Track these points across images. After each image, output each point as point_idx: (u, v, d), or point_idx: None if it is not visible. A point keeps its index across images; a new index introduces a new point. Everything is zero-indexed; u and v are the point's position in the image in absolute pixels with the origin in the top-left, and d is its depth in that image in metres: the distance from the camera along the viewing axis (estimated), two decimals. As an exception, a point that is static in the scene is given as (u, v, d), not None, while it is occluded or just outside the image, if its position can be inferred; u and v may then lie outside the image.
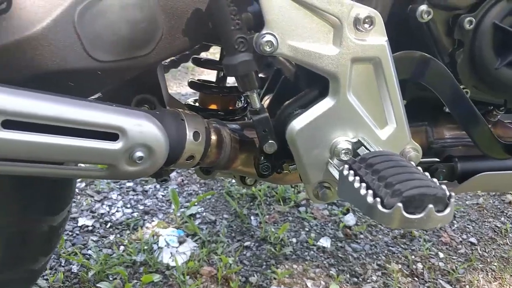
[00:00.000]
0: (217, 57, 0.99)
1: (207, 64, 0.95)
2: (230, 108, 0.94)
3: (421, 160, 0.78)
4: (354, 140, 0.67)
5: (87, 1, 0.61)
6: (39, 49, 0.60)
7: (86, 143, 0.57)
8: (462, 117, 0.74)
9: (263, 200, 1.70)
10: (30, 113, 0.53)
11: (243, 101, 0.96)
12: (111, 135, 0.59)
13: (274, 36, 0.60)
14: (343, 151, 0.66)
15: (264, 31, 0.60)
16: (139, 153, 0.61)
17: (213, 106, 0.93)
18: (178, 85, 2.83)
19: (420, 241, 1.56)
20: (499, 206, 1.81)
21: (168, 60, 0.97)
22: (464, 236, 1.62)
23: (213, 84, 0.95)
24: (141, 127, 0.60)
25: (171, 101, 0.90)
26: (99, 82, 0.67)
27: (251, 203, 1.69)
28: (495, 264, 1.49)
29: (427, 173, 0.54)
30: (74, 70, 0.62)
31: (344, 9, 0.61)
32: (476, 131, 0.76)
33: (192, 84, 0.94)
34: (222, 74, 0.96)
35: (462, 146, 0.87)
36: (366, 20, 0.62)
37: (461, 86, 0.76)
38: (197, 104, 0.94)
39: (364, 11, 0.62)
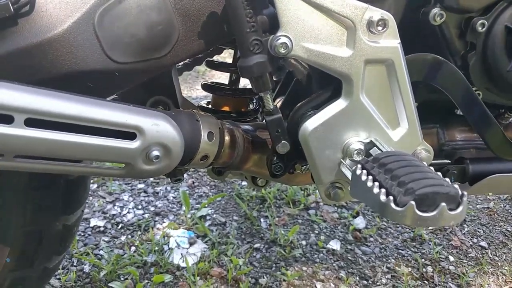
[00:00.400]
0: (229, 61, 1.01)
1: (221, 66, 0.96)
2: (243, 110, 0.95)
3: (433, 161, 0.79)
4: (367, 140, 0.68)
5: (106, 4, 0.63)
6: (60, 50, 0.61)
7: (105, 141, 0.59)
8: (475, 118, 0.75)
9: (272, 202, 1.70)
10: (52, 112, 0.55)
11: (255, 103, 0.98)
12: (129, 134, 0.60)
13: (289, 38, 0.61)
14: (356, 152, 0.67)
15: (279, 33, 0.61)
16: (155, 152, 0.62)
17: (226, 108, 0.94)
18: (189, 89, 2.85)
19: (430, 244, 1.55)
20: (510, 210, 1.80)
21: (182, 63, 0.99)
22: (475, 240, 1.61)
23: (226, 86, 0.97)
24: (158, 126, 0.62)
25: (185, 103, 0.91)
26: (117, 83, 0.69)
27: (261, 206, 1.69)
28: (506, 268, 1.48)
29: (439, 173, 0.55)
30: (93, 71, 0.64)
31: (358, 12, 0.62)
32: (489, 132, 0.76)
33: (205, 87, 0.95)
34: (234, 77, 0.98)
35: (473, 149, 0.88)
36: (380, 23, 0.63)
37: (474, 88, 0.76)
38: (210, 106, 0.96)
39: (377, 14, 0.63)
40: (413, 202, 0.48)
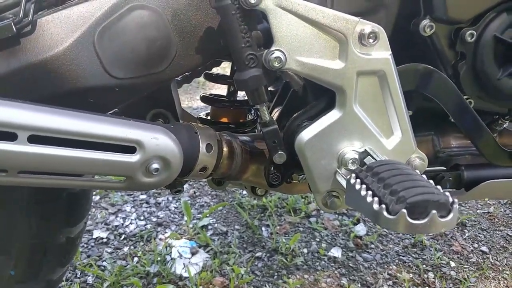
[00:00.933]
0: (227, 71, 1.03)
1: (219, 79, 0.98)
2: (241, 120, 0.97)
3: (428, 168, 0.80)
4: (361, 150, 0.69)
5: (106, 22, 0.65)
6: (62, 68, 0.63)
7: (106, 156, 0.60)
8: (466, 126, 0.76)
9: (274, 211, 1.71)
10: (54, 129, 0.57)
11: (253, 114, 1.00)
12: (129, 148, 0.62)
13: (283, 52, 0.63)
14: (350, 161, 0.68)
15: (273, 48, 0.63)
16: (155, 165, 0.64)
17: (225, 119, 0.96)
18: (190, 99, 2.88)
19: (431, 250, 1.56)
20: (510, 215, 1.81)
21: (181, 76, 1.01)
22: (476, 245, 1.62)
23: (224, 98, 0.99)
24: (158, 140, 0.63)
25: (184, 115, 0.93)
26: (117, 98, 0.71)
27: (262, 214, 1.71)
28: (507, 272, 1.49)
29: (431, 181, 0.56)
30: (94, 87, 0.66)
31: (349, 25, 0.64)
32: (481, 140, 0.77)
33: (204, 99, 0.97)
34: (233, 88, 1.00)
35: (469, 155, 0.89)
36: (371, 35, 0.65)
37: (465, 97, 0.78)
38: (209, 117, 0.97)
39: (368, 26, 0.64)
40: (404, 210, 0.49)
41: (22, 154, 0.55)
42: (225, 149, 0.77)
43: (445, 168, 0.87)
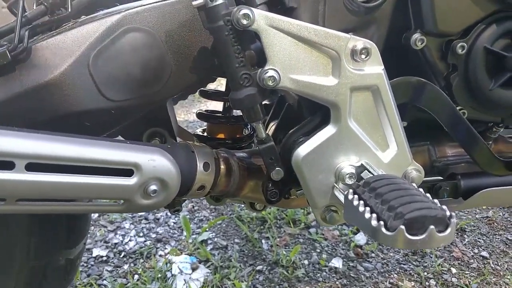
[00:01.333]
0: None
1: (214, 95, 0.99)
2: (238, 136, 0.97)
3: (425, 179, 0.80)
4: (358, 164, 0.69)
5: (100, 46, 0.66)
6: (58, 93, 0.64)
7: (104, 180, 0.60)
8: (460, 137, 0.77)
9: (273, 223, 1.71)
10: (51, 156, 0.57)
11: (249, 128, 1.00)
12: (126, 171, 0.62)
13: (276, 71, 0.64)
14: (348, 175, 0.69)
15: (266, 67, 0.64)
16: (153, 187, 0.64)
17: (221, 135, 0.96)
18: (186, 113, 2.88)
19: (431, 257, 1.56)
20: (509, 219, 1.81)
21: (176, 93, 1.01)
22: (476, 250, 1.62)
23: (220, 114, 0.99)
24: (155, 162, 0.63)
25: (181, 132, 0.94)
26: (113, 120, 0.71)
27: (262, 227, 1.70)
28: (509, 277, 1.49)
29: (428, 194, 0.57)
30: (90, 111, 0.66)
31: (341, 42, 0.64)
32: (475, 150, 0.78)
33: (200, 115, 0.97)
34: (228, 104, 1.00)
35: (465, 163, 0.89)
36: (363, 51, 0.65)
37: (458, 107, 0.79)
38: (205, 134, 0.98)
39: (360, 43, 0.65)
40: (402, 227, 0.50)
41: (20, 183, 0.55)
42: (222, 166, 0.77)
43: (442, 178, 0.87)
